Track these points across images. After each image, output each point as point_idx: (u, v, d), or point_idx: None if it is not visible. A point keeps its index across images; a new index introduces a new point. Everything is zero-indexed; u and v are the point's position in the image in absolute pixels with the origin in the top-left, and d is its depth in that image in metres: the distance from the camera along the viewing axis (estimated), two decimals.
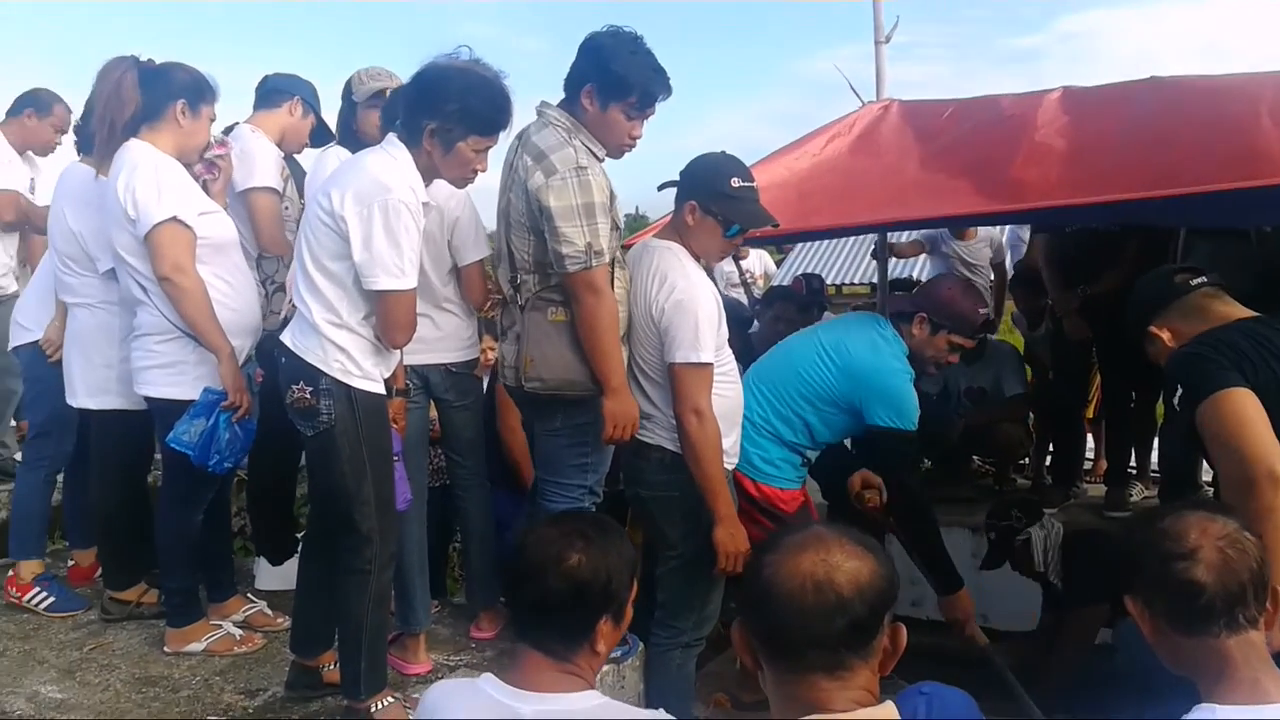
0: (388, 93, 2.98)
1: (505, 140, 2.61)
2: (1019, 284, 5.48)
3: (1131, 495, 4.85)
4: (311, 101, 3.43)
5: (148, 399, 2.92)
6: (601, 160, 2.70)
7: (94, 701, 2.79)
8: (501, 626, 3.16)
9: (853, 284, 20.04)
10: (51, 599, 3.44)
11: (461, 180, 2.57)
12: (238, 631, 3.15)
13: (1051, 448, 5.36)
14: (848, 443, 3.66)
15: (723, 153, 2.88)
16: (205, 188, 3.03)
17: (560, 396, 2.70)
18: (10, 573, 3.52)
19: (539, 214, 2.60)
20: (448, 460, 3.21)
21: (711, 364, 2.72)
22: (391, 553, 2.55)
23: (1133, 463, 5.02)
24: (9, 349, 3.74)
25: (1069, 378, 5.15)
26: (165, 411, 2.85)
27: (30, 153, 4.53)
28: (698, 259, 2.83)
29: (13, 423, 4.72)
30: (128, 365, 2.97)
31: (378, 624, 2.55)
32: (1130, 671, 2.86)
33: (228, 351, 2.79)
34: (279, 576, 3.55)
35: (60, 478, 3.70)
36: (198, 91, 2.94)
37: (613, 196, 2.69)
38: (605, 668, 2.91)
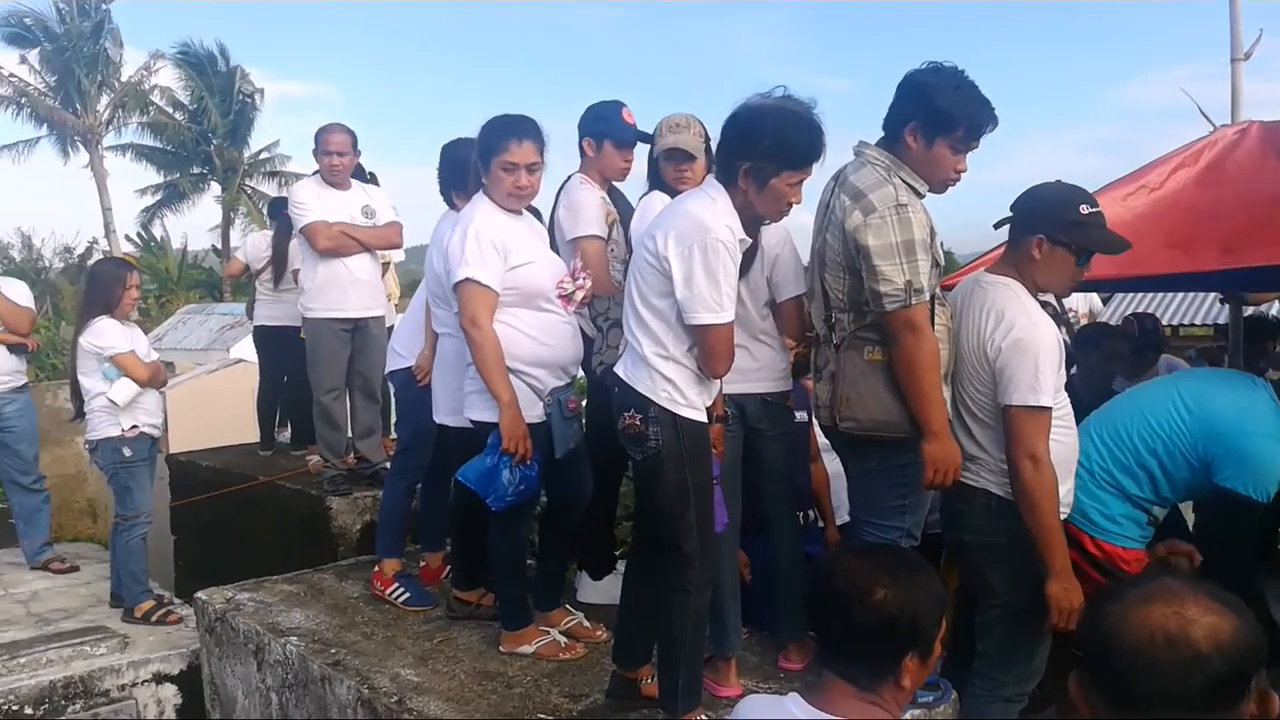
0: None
1: (819, 172, 2.61)
2: None
3: None
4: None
5: (472, 421, 3.13)
6: (923, 197, 2.67)
7: (443, 688, 3.11)
8: (810, 659, 3.13)
9: (1191, 325, 17.89)
10: (408, 594, 3.86)
11: (776, 215, 2.62)
12: (563, 639, 3.35)
13: None
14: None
15: (1059, 181, 2.76)
16: (570, 298, 3.13)
17: (877, 437, 2.67)
18: (376, 569, 4.01)
19: (856, 253, 2.59)
20: (756, 489, 3.15)
21: (1050, 408, 2.60)
22: (711, 574, 2.62)
23: None
24: (385, 373, 4.28)
25: None
26: (481, 434, 3.05)
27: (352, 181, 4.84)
28: (1035, 294, 2.72)
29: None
30: None
31: (696, 642, 2.63)
32: None
33: (508, 400, 2.91)
34: (599, 591, 3.75)
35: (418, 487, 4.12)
36: (486, 149, 3.07)
37: (933, 233, 2.64)
38: (915, 712, 2.84)
